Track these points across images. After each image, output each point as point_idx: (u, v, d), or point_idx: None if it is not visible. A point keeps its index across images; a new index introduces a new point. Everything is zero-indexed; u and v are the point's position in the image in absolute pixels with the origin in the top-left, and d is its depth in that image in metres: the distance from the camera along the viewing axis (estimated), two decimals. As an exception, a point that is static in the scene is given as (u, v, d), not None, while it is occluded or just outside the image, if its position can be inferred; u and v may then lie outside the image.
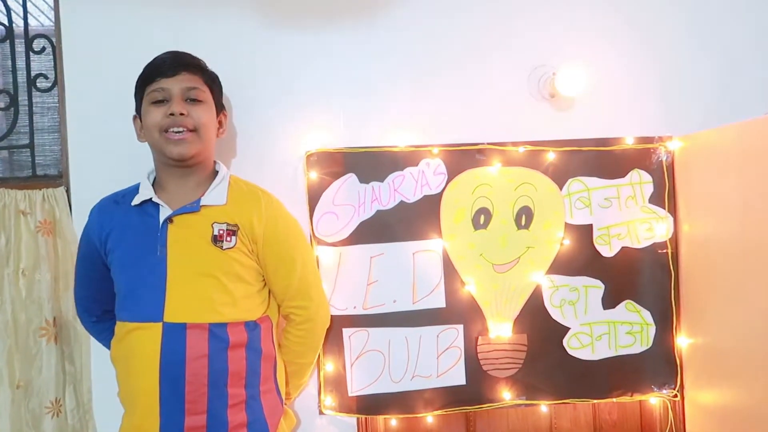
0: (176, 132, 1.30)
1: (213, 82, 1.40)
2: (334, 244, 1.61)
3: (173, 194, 1.35)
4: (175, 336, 1.26)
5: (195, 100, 1.33)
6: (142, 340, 1.27)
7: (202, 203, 1.33)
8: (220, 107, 1.42)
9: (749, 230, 1.67)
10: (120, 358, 1.33)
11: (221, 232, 1.32)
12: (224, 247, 1.32)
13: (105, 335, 1.45)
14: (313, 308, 1.46)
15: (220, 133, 1.43)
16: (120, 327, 1.32)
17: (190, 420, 1.26)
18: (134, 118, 1.39)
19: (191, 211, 1.33)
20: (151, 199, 1.33)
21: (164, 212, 1.32)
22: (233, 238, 1.33)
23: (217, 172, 1.41)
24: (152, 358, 1.25)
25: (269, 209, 1.40)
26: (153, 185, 1.37)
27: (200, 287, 1.30)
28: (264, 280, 1.42)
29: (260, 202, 1.39)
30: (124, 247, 1.33)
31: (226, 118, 1.46)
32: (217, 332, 1.28)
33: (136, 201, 1.34)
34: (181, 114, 1.30)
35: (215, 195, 1.36)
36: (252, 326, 1.35)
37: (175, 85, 1.31)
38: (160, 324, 1.26)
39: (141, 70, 1.36)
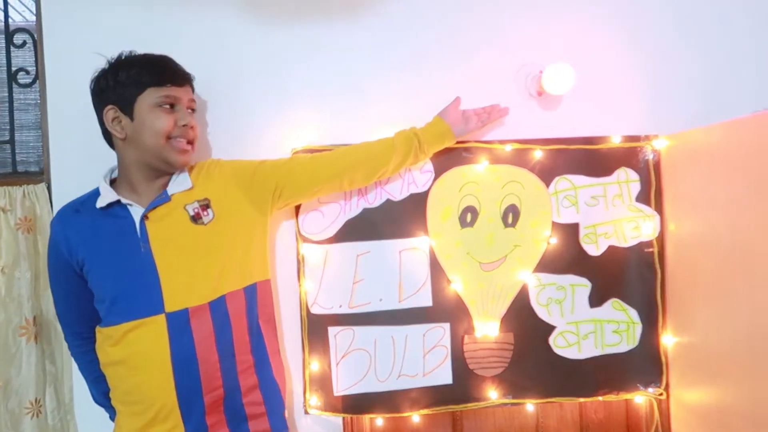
0: (185, 142, 1.34)
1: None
2: (320, 242, 1.59)
3: (141, 194, 1.35)
4: (180, 323, 1.28)
5: (192, 111, 1.39)
6: (146, 335, 1.28)
7: (170, 192, 1.35)
8: None
9: (735, 229, 1.67)
10: (120, 359, 1.31)
11: (196, 210, 1.35)
12: (206, 222, 1.35)
13: (94, 366, 1.41)
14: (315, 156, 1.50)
15: None
16: (113, 330, 1.31)
17: (209, 397, 1.30)
18: (110, 109, 1.32)
19: (163, 203, 1.34)
20: (119, 201, 1.32)
21: (135, 211, 1.32)
22: (209, 210, 1.36)
23: None
24: (162, 351, 1.27)
25: (217, 165, 1.44)
26: (113, 186, 1.36)
27: (193, 270, 1.32)
28: (260, 233, 1.44)
29: (211, 166, 1.43)
30: (101, 254, 1.31)
31: None
32: (217, 307, 1.32)
33: (101, 203, 1.32)
34: (191, 127, 1.36)
35: (180, 182, 1.37)
36: (250, 291, 1.39)
37: (185, 96, 1.36)
38: (163, 315, 1.28)
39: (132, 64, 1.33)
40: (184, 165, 1.36)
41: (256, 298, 1.40)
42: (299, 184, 1.44)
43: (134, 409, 1.32)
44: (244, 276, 1.38)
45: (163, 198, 1.34)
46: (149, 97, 1.31)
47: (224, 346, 1.32)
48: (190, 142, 1.36)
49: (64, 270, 1.36)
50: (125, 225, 1.31)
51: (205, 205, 1.36)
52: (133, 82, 1.31)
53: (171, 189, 1.35)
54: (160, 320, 1.28)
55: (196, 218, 1.34)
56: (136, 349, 1.29)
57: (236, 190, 1.40)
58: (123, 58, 1.35)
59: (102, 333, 1.34)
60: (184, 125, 1.33)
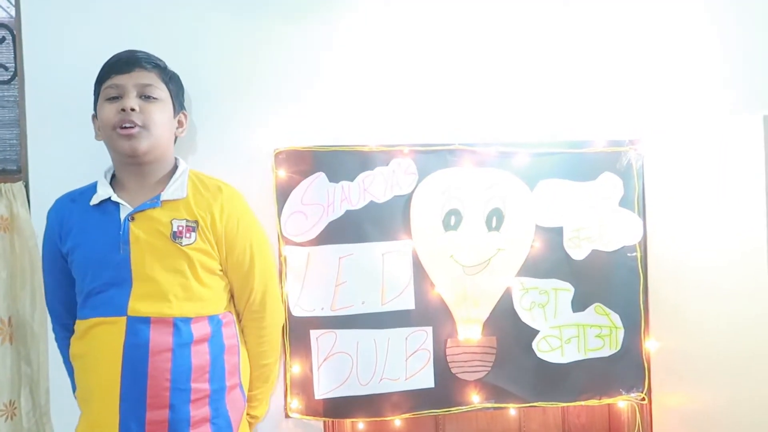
0: (126, 127, 1.28)
1: (170, 80, 1.37)
2: (302, 244, 1.58)
3: (134, 193, 1.33)
4: (138, 330, 1.25)
5: (149, 97, 1.31)
6: (105, 334, 1.26)
7: (162, 198, 1.32)
8: (179, 107, 1.40)
9: (717, 234, 1.68)
10: (80, 354, 1.31)
11: (180, 228, 1.31)
12: (183, 244, 1.31)
13: None
14: (267, 318, 1.44)
15: (179, 132, 1.41)
16: (81, 324, 1.31)
17: (152, 414, 1.25)
18: (93, 117, 1.36)
19: (152, 207, 1.31)
20: (110, 198, 1.31)
21: (124, 210, 1.31)
22: (192, 234, 1.32)
23: (177, 167, 1.39)
24: (115, 352, 1.25)
25: (230, 204, 1.38)
26: (111, 183, 1.35)
27: (164, 282, 1.29)
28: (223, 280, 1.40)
29: (221, 195, 1.37)
30: (85, 247, 1.31)
31: (187, 117, 1.43)
32: (181, 327, 1.28)
33: (94, 201, 1.32)
34: (132, 109, 1.28)
35: (175, 189, 1.34)
36: (215, 321, 1.35)
37: (129, 81, 1.30)
38: (124, 318, 1.26)
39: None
40: (133, 151, 1.28)
41: (221, 329, 1.36)
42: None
43: (84, 410, 1.32)
44: (211, 305, 1.34)
45: (154, 202, 1.31)
46: (101, 93, 1.32)
47: (180, 367, 1.27)
48: (143, 126, 1.28)
49: (56, 259, 1.36)
50: (111, 222, 1.30)
51: (192, 228, 1.32)
52: (96, 84, 1.33)
53: (165, 195, 1.33)
54: (120, 322, 1.25)
55: (176, 235, 1.31)
56: (93, 345, 1.28)
57: (222, 238, 1.36)
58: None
59: (76, 325, 1.34)
60: (123, 109, 1.27)
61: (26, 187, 1.55)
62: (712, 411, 1.66)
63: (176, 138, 1.41)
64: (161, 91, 1.33)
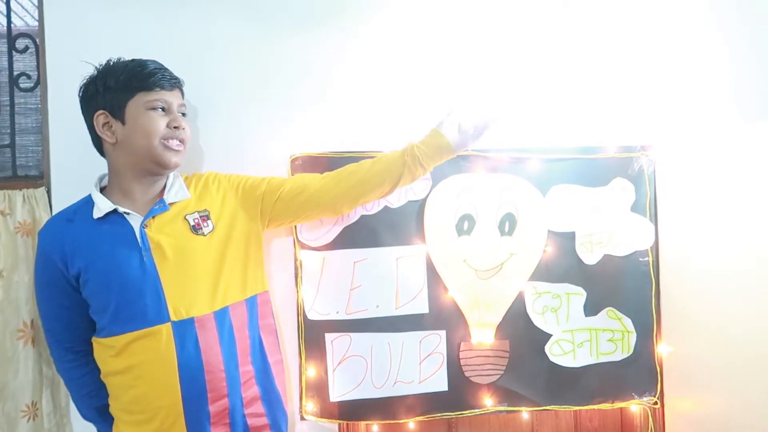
0: (178, 142, 1.35)
1: None
2: (317, 249, 1.60)
3: (138, 201, 1.36)
4: (186, 332, 1.28)
5: (184, 115, 1.40)
6: (152, 343, 1.28)
7: (168, 201, 1.36)
8: None
9: (729, 239, 1.69)
10: (122, 369, 1.31)
11: (196, 220, 1.36)
12: (206, 233, 1.36)
13: (86, 380, 1.40)
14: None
15: None
16: (114, 341, 1.30)
17: (214, 407, 1.30)
18: (100, 114, 1.33)
19: (162, 212, 1.34)
20: (115, 209, 1.32)
21: (134, 219, 1.32)
22: (209, 221, 1.37)
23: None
24: (169, 358, 1.27)
25: (217, 178, 1.45)
26: (106, 194, 1.36)
27: (196, 280, 1.32)
28: (255, 246, 1.44)
29: (208, 179, 1.45)
30: (101, 263, 1.30)
31: None
32: (222, 318, 1.33)
33: (98, 214, 1.32)
34: (183, 128, 1.36)
35: (176, 191, 1.39)
36: (251, 302, 1.40)
37: (174, 100, 1.37)
38: (169, 324, 1.28)
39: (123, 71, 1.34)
40: (176, 166, 1.36)
41: (257, 309, 1.41)
42: (294, 205, 1.44)
43: (138, 418, 1.32)
44: (245, 288, 1.39)
45: (162, 207, 1.34)
46: (140, 101, 1.32)
47: (229, 356, 1.32)
48: (182, 143, 1.37)
49: (56, 283, 1.32)
50: (124, 233, 1.31)
51: (205, 216, 1.37)
52: (122, 87, 1.32)
53: (169, 198, 1.36)
54: (166, 329, 1.28)
55: (196, 228, 1.35)
56: (142, 358, 1.28)
57: (234, 204, 1.42)
58: (111, 64, 1.36)
59: (100, 344, 1.33)
60: (176, 127, 1.35)
61: (48, 192, 1.58)
62: (724, 415, 1.66)
63: None
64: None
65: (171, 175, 1.41)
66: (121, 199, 1.35)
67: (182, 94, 1.42)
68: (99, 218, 1.31)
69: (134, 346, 1.28)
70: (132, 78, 1.33)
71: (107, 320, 1.30)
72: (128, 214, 1.32)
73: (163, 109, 1.34)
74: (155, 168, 1.35)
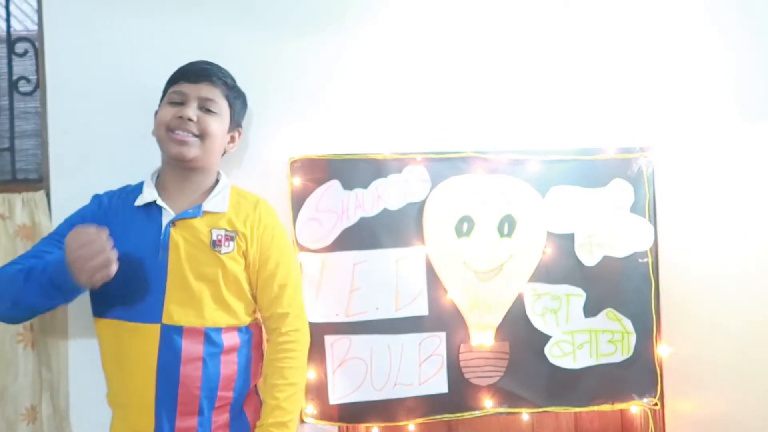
0: (179, 133, 1.34)
1: (235, 98, 1.44)
2: (317, 251, 1.60)
3: (174, 197, 1.37)
4: (172, 338, 1.28)
5: (209, 111, 1.37)
6: (139, 339, 1.29)
7: (204, 209, 1.36)
8: (235, 124, 1.46)
9: (729, 240, 1.69)
10: (114, 357, 1.34)
11: (219, 237, 1.35)
12: (222, 252, 1.34)
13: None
14: (302, 333, 1.43)
15: (229, 147, 1.46)
16: (112, 325, 1.32)
17: (181, 421, 1.29)
18: (156, 113, 1.40)
19: (193, 216, 1.35)
20: (155, 201, 1.35)
21: (167, 216, 1.34)
22: (231, 243, 1.36)
23: (218, 181, 1.43)
24: (149, 359, 1.28)
25: (267, 217, 1.42)
26: (156, 185, 1.39)
27: (198, 292, 1.32)
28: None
29: (259, 207, 1.42)
30: (123, 247, 1.26)
31: (240, 136, 1.49)
32: (212, 337, 1.32)
33: (139, 202, 1.35)
34: (190, 119, 1.34)
35: (217, 202, 1.38)
36: (245, 331, 1.39)
37: (193, 91, 1.36)
38: (159, 326, 1.29)
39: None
40: (180, 156, 1.34)
41: (251, 339, 1.40)
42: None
43: (119, 413, 1.35)
44: (243, 316, 1.38)
45: (196, 212, 1.35)
46: (166, 96, 1.39)
47: (210, 376, 1.31)
48: (198, 136, 1.34)
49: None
50: (153, 226, 1.33)
51: (230, 237, 1.36)
52: (166, 84, 1.40)
53: (206, 206, 1.36)
54: (154, 329, 1.28)
55: (216, 243, 1.34)
56: (127, 351, 1.30)
57: (256, 247, 1.39)
58: None
59: (99, 323, 1.35)
60: (180, 117, 1.33)
61: (47, 196, 1.58)
62: (724, 416, 1.66)
63: (224, 152, 1.46)
64: (221, 106, 1.39)
65: (221, 182, 1.42)
66: (162, 192, 1.37)
67: (216, 88, 1.38)
68: (140, 206, 1.35)
69: (124, 338, 1.31)
70: (172, 75, 1.39)
71: (109, 300, 1.31)
72: (164, 209, 1.34)
73: (182, 102, 1.35)
74: (171, 160, 1.36)
